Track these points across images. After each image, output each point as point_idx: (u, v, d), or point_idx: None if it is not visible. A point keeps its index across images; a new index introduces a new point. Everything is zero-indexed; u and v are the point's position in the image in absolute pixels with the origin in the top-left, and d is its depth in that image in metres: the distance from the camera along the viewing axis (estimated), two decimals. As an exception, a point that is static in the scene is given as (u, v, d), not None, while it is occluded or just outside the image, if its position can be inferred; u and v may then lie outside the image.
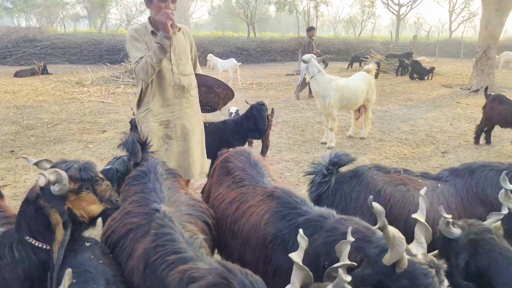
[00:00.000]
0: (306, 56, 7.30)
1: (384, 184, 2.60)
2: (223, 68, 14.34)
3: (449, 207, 2.55)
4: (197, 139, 3.62)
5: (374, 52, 22.21)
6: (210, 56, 15.21)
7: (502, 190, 2.06)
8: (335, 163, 2.64)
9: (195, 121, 3.56)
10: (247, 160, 2.61)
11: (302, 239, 1.61)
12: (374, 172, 2.67)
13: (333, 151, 2.72)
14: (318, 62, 7.41)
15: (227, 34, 33.44)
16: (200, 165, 3.64)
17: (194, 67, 3.76)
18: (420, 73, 17.62)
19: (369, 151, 7.19)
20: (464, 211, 2.56)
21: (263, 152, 6.52)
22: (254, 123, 5.11)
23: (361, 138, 7.94)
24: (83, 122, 8.92)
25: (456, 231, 1.89)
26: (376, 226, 1.56)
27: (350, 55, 24.39)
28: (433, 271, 1.57)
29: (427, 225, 1.79)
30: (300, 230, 1.64)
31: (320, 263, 1.80)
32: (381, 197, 2.57)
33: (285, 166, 6.32)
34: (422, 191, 1.94)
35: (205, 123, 4.69)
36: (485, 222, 2.06)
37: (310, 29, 13.25)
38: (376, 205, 1.55)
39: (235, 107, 6.63)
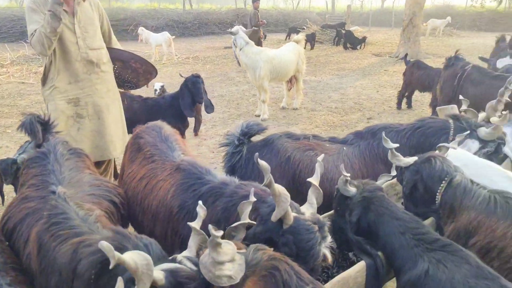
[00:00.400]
0: (234, 28, 7.24)
1: (294, 151, 2.71)
2: (156, 42, 13.79)
3: (353, 168, 2.73)
4: (114, 117, 3.49)
5: (311, 23, 22.50)
6: (141, 30, 14.53)
7: (389, 151, 2.23)
8: (246, 133, 2.70)
9: (110, 98, 3.43)
10: (158, 135, 2.58)
11: (200, 209, 1.65)
12: (284, 139, 2.77)
13: (245, 122, 2.77)
14: (248, 34, 7.39)
15: (163, 6, 32.01)
16: (121, 144, 3.53)
17: (109, 41, 3.58)
18: (352, 42, 18.22)
19: (301, 121, 7.41)
20: (367, 171, 2.76)
21: (196, 128, 6.47)
22: (191, 97, 4.98)
23: (293, 109, 8.13)
24: (0, 106, 8.23)
25: (352, 189, 2.02)
26: (263, 184, 1.63)
27: (288, 26, 24.51)
28: (316, 227, 1.68)
29: (319, 188, 1.92)
30: (200, 202, 1.67)
31: (221, 228, 1.86)
32: (291, 162, 2.68)
33: (218, 141, 6.33)
34: (320, 158, 2.04)
35: (140, 98, 4.52)
36: (378, 182, 2.24)
37: (255, 1, 13.02)
38: (262, 162, 1.61)
39: (159, 83, 6.43)
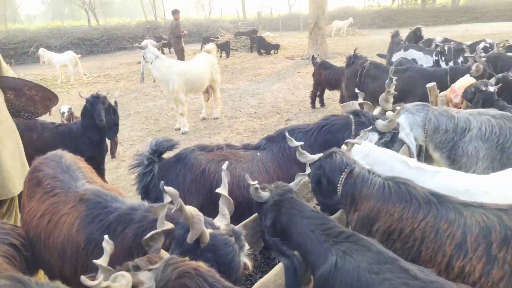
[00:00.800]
0: (143, 42, 7.04)
1: (208, 163, 2.68)
2: (59, 63, 12.87)
3: (268, 172, 2.79)
4: (10, 150, 3.16)
5: (224, 31, 22.76)
6: (42, 51, 13.45)
7: (296, 149, 2.31)
8: (156, 151, 2.62)
9: (3, 131, 3.10)
10: (59, 165, 2.39)
11: (106, 244, 1.54)
12: (197, 153, 2.74)
13: (154, 139, 2.68)
14: (158, 48, 7.23)
15: (66, 24, 30.10)
16: (21, 179, 3.21)
17: None
18: (266, 48, 18.82)
19: (223, 130, 7.43)
20: (281, 173, 2.83)
21: (113, 150, 6.14)
22: (93, 119, 4.57)
23: (214, 119, 8.13)
24: None
25: (265, 195, 2.05)
26: (173, 210, 1.59)
27: (202, 36, 24.52)
28: (233, 239, 1.68)
29: (229, 197, 1.92)
30: (105, 236, 1.56)
31: (134, 256, 1.77)
32: (206, 175, 2.66)
33: (138, 159, 6.08)
34: (224, 166, 2.04)
35: (52, 125, 4.07)
36: (294, 182, 2.30)
37: (175, 12, 12.67)
38: (168, 189, 1.57)
39: (66, 106, 6.01)
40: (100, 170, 4.48)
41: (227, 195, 1.88)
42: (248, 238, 2.03)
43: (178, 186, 2.60)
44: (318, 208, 2.33)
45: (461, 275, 1.62)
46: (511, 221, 1.61)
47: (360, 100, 3.21)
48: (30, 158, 2.93)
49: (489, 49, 6.56)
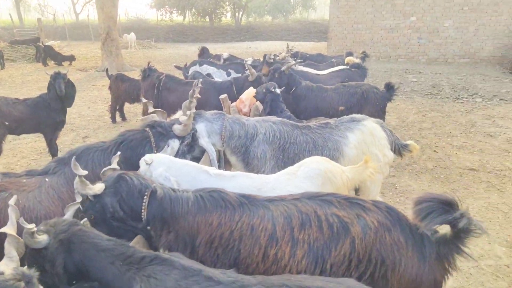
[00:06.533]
0: None
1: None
2: None
3: (61, 198, 2.47)
4: None
5: (-7, 38, 19.12)
6: None
7: (76, 178, 2.01)
8: None
9: None
10: None
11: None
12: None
13: None
14: None
15: None
16: None
17: None
18: (56, 58, 16.77)
19: (3, 155, 6.18)
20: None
21: None
22: None
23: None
24: None
25: (43, 238, 1.68)
26: None
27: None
28: (21, 283, 1.40)
29: (17, 236, 1.60)
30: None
31: None
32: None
33: None
34: (12, 201, 1.70)
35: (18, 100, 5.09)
36: (66, 215, 2.01)
37: None
38: None
39: None
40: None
41: (15, 234, 1.56)
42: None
43: None
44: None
45: (275, 261, 1.83)
46: (304, 207, 1.92)
47: (151, 109, 3.24)
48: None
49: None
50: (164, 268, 1.57)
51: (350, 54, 8.34)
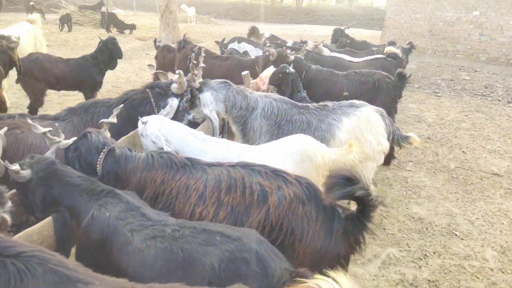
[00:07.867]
0: None
1: (-6, 132, 2.59)
2: None
3: (66, 143, 2.83)
4: None
5: (66, 2, 20.57)
6: None
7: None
8: None
9: None
10: None
11: None
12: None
13: None
14: None
15: None
16: None
17: None
18: (119, 26, 17.78)
19: (50, 107, 6.90)
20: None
21: None
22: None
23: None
24: None
25: (27, 173, 1.98)
26: None
27: (29, 2, 21.51)
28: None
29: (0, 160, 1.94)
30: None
31: None
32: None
33: None
34: (2, 131, 2.05)
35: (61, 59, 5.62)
36: (48, 152, 2.30)
37: None
38: None
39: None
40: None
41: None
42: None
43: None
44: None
45: (200, 219, 2.05)
46: (235, 173, 2.10)
47: (153, 70, 3.54)
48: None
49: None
50: (114, 200, 1.87)
51: (392, 43, 8.11)
